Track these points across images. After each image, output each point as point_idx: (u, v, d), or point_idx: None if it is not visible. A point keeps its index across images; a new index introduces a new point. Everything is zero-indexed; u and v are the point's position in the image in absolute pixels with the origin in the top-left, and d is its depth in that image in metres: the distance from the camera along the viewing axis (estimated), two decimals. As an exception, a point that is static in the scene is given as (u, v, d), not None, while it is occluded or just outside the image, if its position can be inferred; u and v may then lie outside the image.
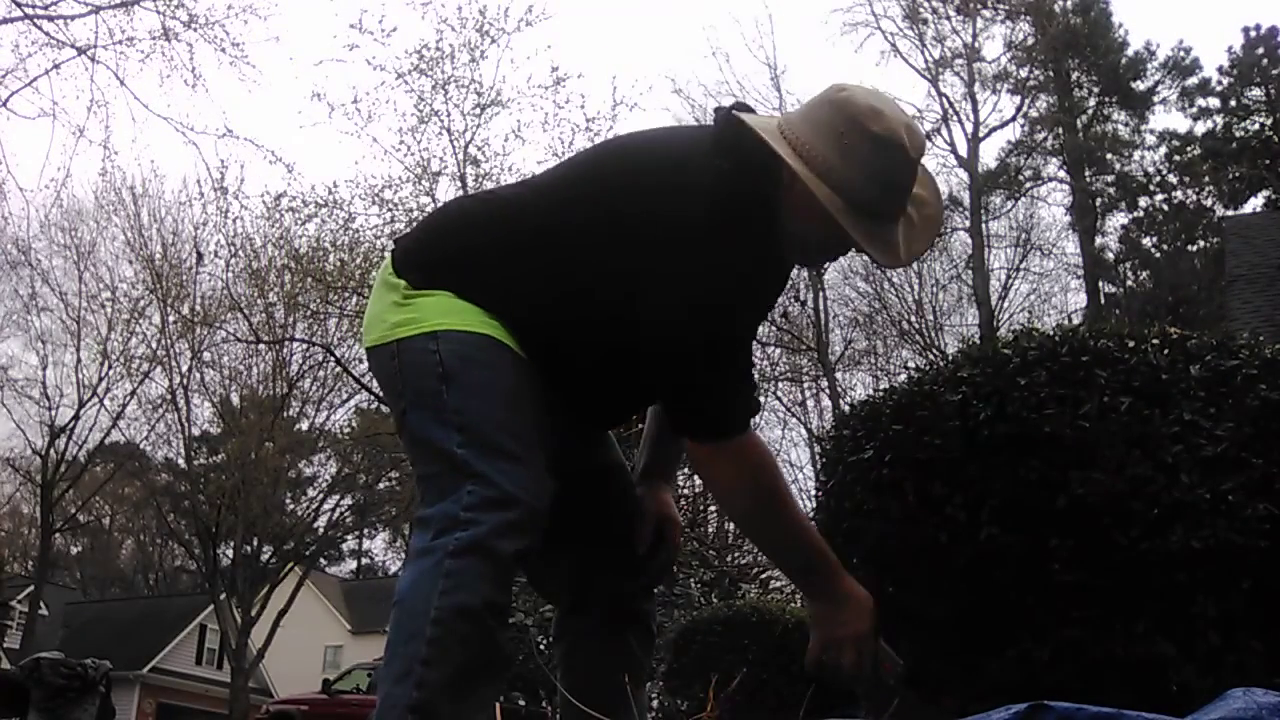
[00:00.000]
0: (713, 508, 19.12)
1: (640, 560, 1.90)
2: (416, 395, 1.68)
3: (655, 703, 11.81)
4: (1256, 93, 26.56)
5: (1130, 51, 28.71)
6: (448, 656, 1.48)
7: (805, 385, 25.34)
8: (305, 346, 22.36)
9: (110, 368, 24.59)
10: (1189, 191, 27.91)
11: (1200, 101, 27.76)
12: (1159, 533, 3.46)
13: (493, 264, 1.73)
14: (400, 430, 1.75)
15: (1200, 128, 27.44)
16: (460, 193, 21.72)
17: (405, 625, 1.52)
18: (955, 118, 27.01)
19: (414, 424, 1.69)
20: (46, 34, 12.90)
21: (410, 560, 1.59)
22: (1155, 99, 28.40)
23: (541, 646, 12.54)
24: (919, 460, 3.95)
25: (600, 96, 69.58)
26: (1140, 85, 28.57)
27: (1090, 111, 28.77)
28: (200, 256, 22.22)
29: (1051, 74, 27.95)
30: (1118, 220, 28.45)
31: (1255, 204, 24.43)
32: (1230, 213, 22.96)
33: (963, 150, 26.82)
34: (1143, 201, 28.15)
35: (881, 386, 12.56)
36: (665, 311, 1.60)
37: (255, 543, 24.55)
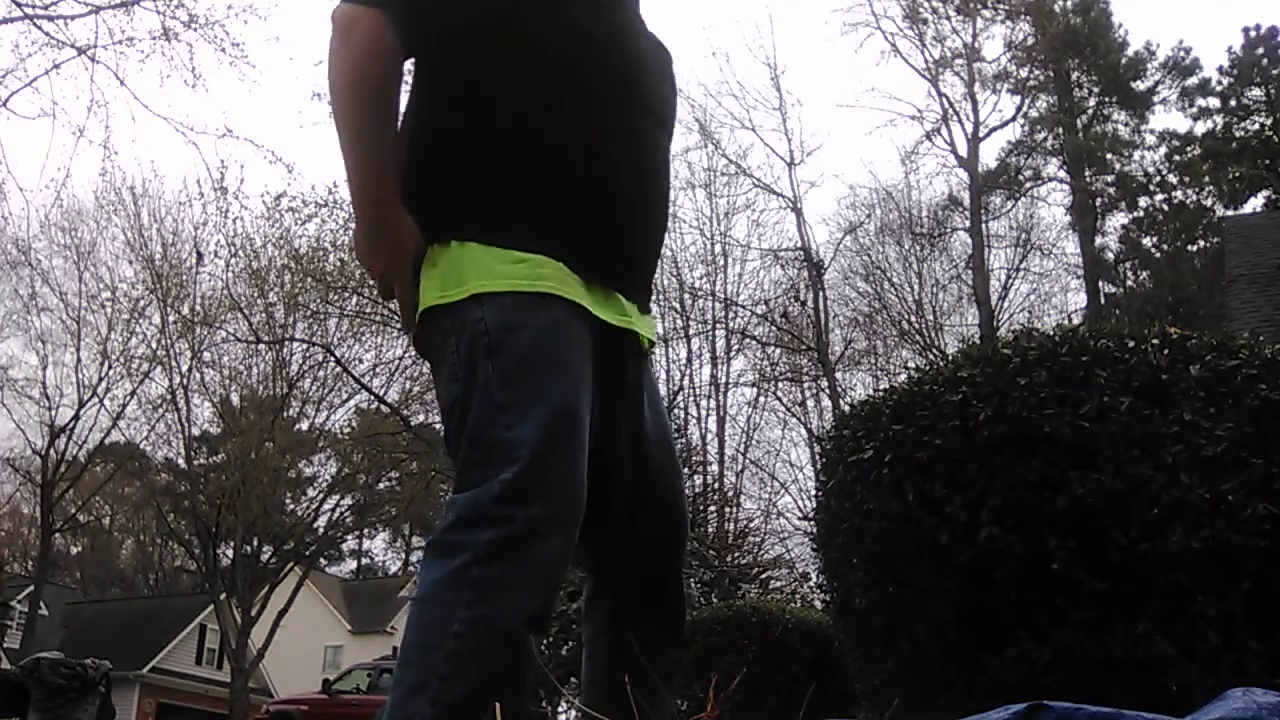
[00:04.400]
0: (712, 508, 19.14)
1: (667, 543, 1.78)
2: (454, 369, 1.53)
3: (655, 703, 11.80)
4: (1256, 93, 26.56)
5: (1130, 51, 28.73)
6: (467, 673, 1.39)
7: (805, 385, 25.37)
8: (305, 346, 22.38)
9: (110, 368, 24.61)
10: (1189, 191, 27.91)
11: (1200, 101, 27.77)
12: (1159, 533, 3.46)
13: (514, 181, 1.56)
14: (441, 406, 1.61)
15: (1200, 128, 27.47)
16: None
17: (424, 632, 1.42)
18: (955, 118, 27.03)
19: (447, 400, 1.55)
20: (46, 34, 12.90)
21: (435, 553, 1.46)
22: (1155, 99, 28.42)
23: (541, 646, 12.54)
24: (919, 460, 3.95)
25: (600, 96, 69.30)
26: (1140, 85, 28.57)
27: (1090, 111, 28.77)
28: (200, 256, 22.24)
29: (1051, 74, 27.94)
30: (1118, 220, 28.48)
31: (1255, 204, 24.45)
32: (1230, 213, 22.95)
33: (963, 150, 26.82)
34: (1143, 201, 28.16)
35: (881, 386, 12.56)
36: None
37: (255, 543, 24.53)
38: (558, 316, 1.53)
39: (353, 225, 1.67)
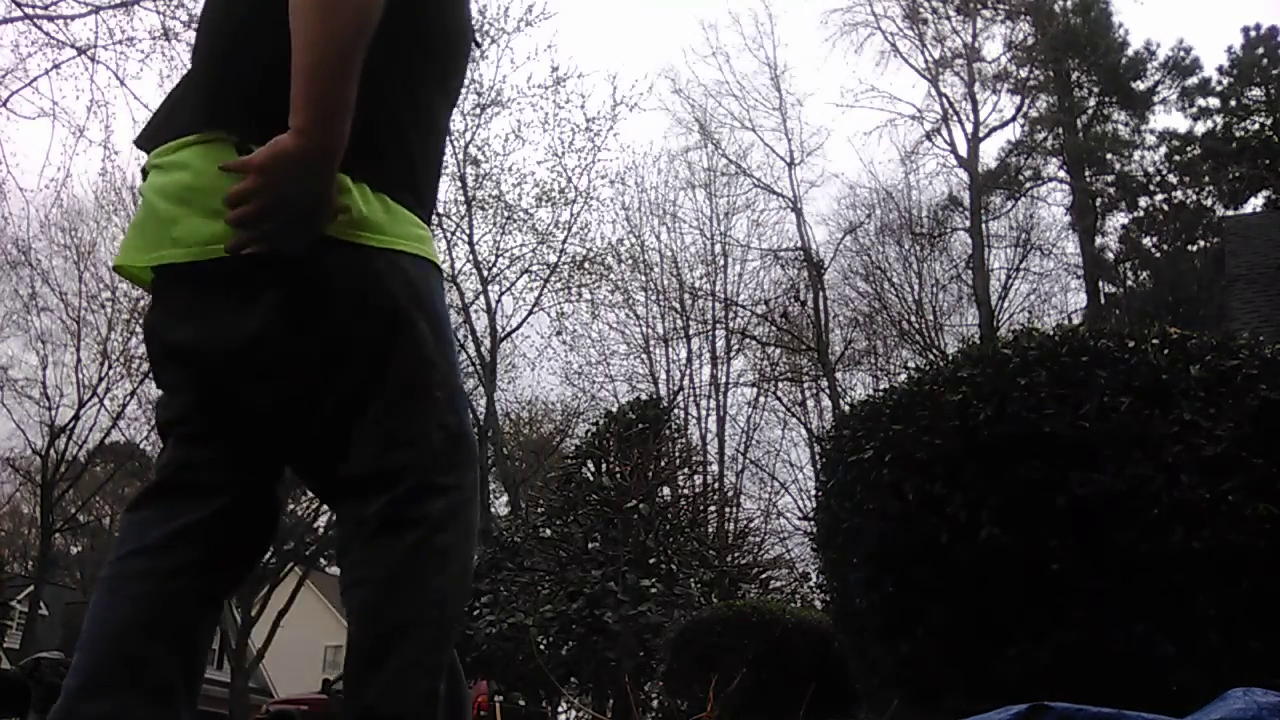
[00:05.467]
0: (712, 508, 19.13)
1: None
2: (407, 317, 1.48)
3: (655, 703, 11.81)
4: (1256, 93, 26.55)
5: (1130, 51, 28.71)
6: (448, 639, 1.46)
7: (805, 385, 25.37)
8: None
9: (110, 368, 24.61)
10: (1189, 191, 27.89)
11: (1200, 101, 27.75)
12: (1159, 533, 3.46)
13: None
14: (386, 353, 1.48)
15: (1200, 128, 27.44)
16: (460, 193, 21.82)
17: (406, 609, 1.42)
18: (955, 118, 27.07)
19: (380, 344, 1.47)
20: (46, 34, 12.91)
21: (391, 530, 1.43)
22: (1155, 99, 28.39)
23: (541, 646, 12.54)
24: (919, 460, 3.95)
25: (600, 96, 69.55)
26: (1140, 85, 28.55)
27: (1090, 111, 28.76)
28: (200, 256, 22.14)
29: (1051, 74, 27.94)
30: (1118, 220, 28.45)
31: (1255, 204, 24.43)
32: (1230, 213, 22.95)
33: (963, 150, 26.85)
34: (1143, 201, 28.13)
35: (881, 386, 12.57)
36: None
37: (255, 543, 24.48)
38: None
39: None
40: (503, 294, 22.34)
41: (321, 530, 27.91)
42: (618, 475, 15.31)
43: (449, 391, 1.50)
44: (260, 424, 1.52)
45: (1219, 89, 27.32)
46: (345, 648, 1.45)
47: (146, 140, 1.56)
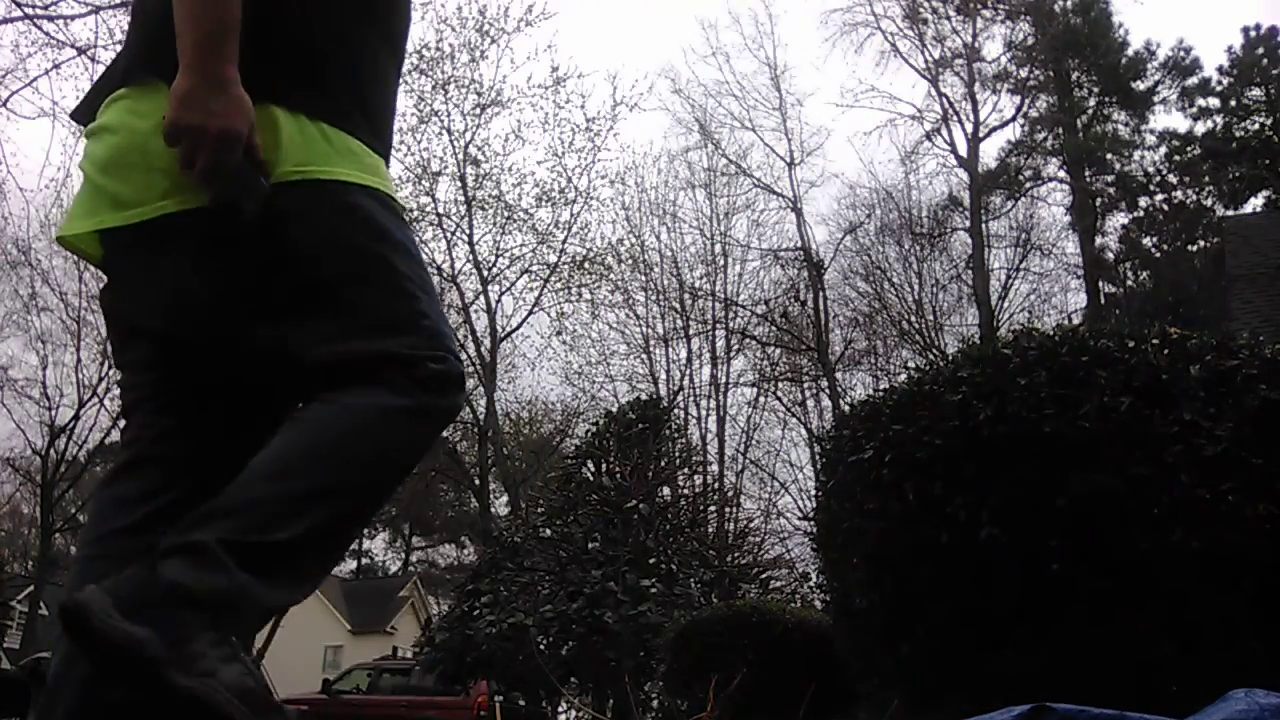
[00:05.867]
0: (712, 508, 19.13)
1: None
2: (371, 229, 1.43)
3: (655, 703, 11.81)
4: (1256, 93, 26.56)
5: (1130, 51, 28.72)
6: (360, 504, 1.36)
7: (805, 385, 25.35)
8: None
9: (110, 368, 24.57)
10: (1189, 191, 27.91)
11: (1200, 101, 27.75)
12: (1159, 533, 3.46)
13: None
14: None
15: (1200, 128, 27.46)
16: (460, 193, 21.84)
17: (346, 442, 1.32)
18: (955, 118, 27.08)
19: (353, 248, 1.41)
20: (46, 34, 12.89)
21: (378, 385, 1.34)
22: (1155, 99, 28.40)
23: (541, 646, 12.54)
24: (919, 460, 3.95)
25: (600, 96, 69.58)
26: (1140, 85, 28.56)
27: (1090, 111, 28.76)
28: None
29: (1051, 74, 27.96)
30: (1118, 220, 28.47)
31: (1255, 204, 24.44)
32: (1230, 213, 22.95)
33: (963, 150, 26.86)
34: (1143, 201, 28.14)
35: (881, 386, 12.57)
36: None
37: (255, 543, 24.45)
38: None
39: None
40: (503, 294, 22.37)
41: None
42: (618, 475, 15.30)
43: (435, 319, 1.42)
44: (230, 386, 1.44)
45: (1219, 89, 27.34)
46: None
47: (83, 113, 1.51)
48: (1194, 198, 27.81)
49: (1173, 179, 28.01)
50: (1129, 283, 28.17)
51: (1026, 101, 28.17)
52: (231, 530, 1.20)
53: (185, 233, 1.35)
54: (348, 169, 1.41)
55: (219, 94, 1.31)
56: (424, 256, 1.49)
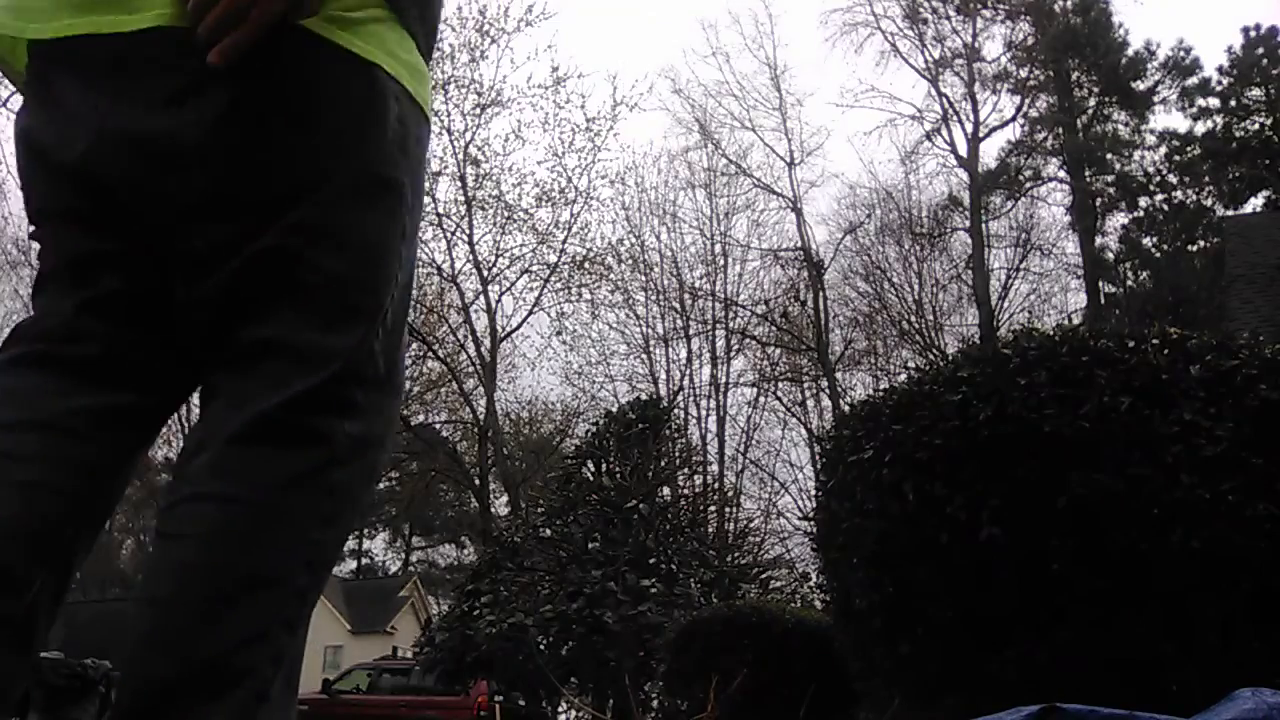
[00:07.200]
0: (712, 508, 19.14)
1: None
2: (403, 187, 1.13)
3: (655, 703, 11.81)
4: (1256, 93, 26.56)
5: (1130, 51, 28.73)
6: (305, 616, 1.05)
7: (805, 385, 25.37)
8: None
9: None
10: (1189, 191, 27.91)
11: (1200, 101, 27.76)
12: (1159, 533, 3.46)
13: None
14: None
15: (1200, 128, 27.47)
16: (460, 193, 21.84)
17: (268, 553, 1.00)
18: (955, 118, 27.09)
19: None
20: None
21: (282, 434, 1.01)
22: (1155, 99, 28.41)
23: (541, 646, 12.54)
24: (919, 460, 3.95)
25: (600, 96, 69.57)
26: (1140, 85, 28.57)
27: (1090, 111, 28.77)
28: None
29: (1051, 74, 27.96)
30: (1118, 220, 28.48)
31: (1255, 204, 24.46)
32: (1230, 213, 22.96)
33: (963, 150, 26.87)
34: (1143, 201, 28.15)
35: (881, 386, 12.57)
36: None
37: (255, 543, 24.45)
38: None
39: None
40: (503, 294, 22.35)
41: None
42: (618, 475, 15.31)
43: (403, 293, 1.14)
44: (175, 265, 1.07)
45: (1219, 89, 27.33)
46: (161, 589, 0.97)
47: None
48: (1194, 198, 27.82)
49: (1173, 179, 28.01)
50: (1129, 283, 28.17)
51: (1026, 101, 28.20)
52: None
53: (163, 61, 1.03)
54: (401, 65, 1.12)
55: None
56: (424, 254, 1.11)
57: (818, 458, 16.47)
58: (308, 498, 1.01)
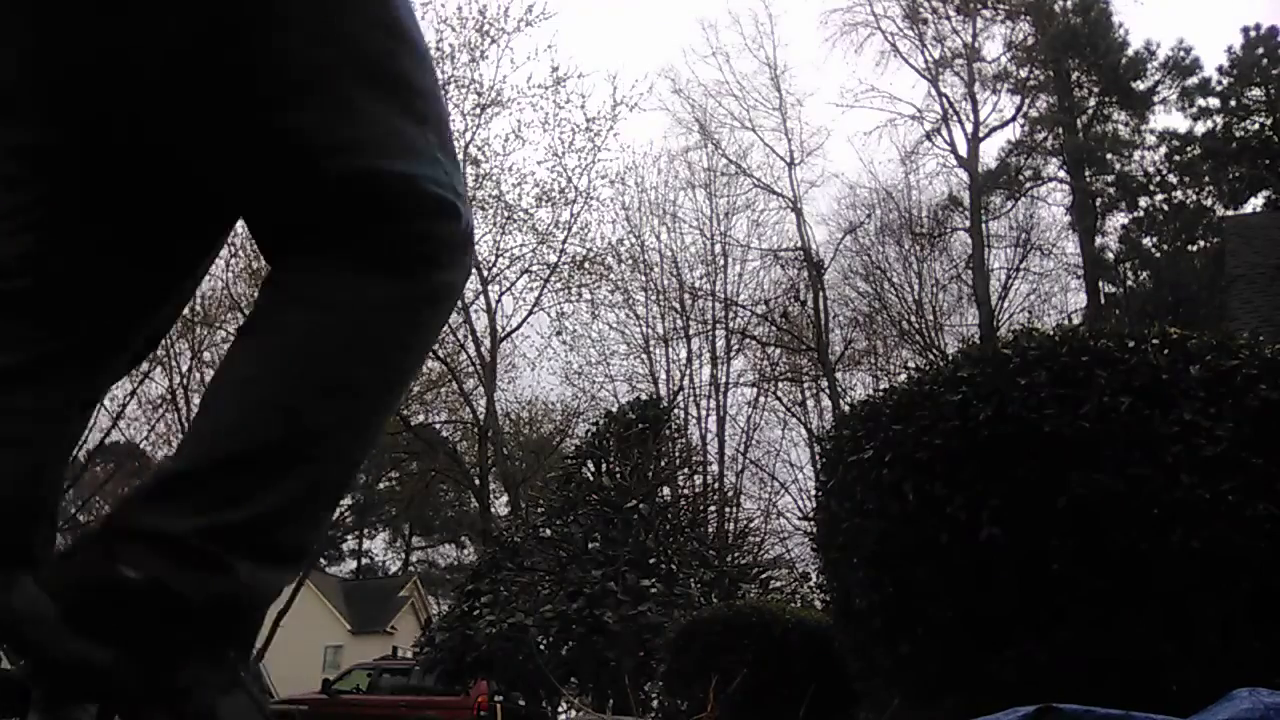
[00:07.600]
0: (712, 508, 19.14)
1: None
2: None
3: (655, 703, 11.81)
4: (1256, 93, 26.57)
5: (1130, 51, 28.72)
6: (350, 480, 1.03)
7: (805, 385, 25.36)
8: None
9: (110, 368, 24.56)
10: (1189, 191, 27.91)
11: (1200, 101, 27.75)
12: (1159, 533, 3.46)
13: None
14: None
15: (1200, 128, 27.47)
16: (460, 193, 21.70)
17: (335, 392, 0.96)
18: (955, 118, 27.09)
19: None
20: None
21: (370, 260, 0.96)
22: (1155, 99, 28.41)
23: (541, 646, 12.55)
24: (919, 460, 3.95)
25: (600, 96, 69.57)
26: (1140, 85, 28.56)
27: (1090, 111, 28.77)
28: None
29: (1051, 74, 27.96)
30: (1118, 220, 28.48)
31: (1255, 204, 24.47)
32: (1230, 213, 22.97)
33: (963, 150, 26.88)
34: (1143, 201, 28.15)
35: (881, 386, 12.57)
36: None
37: (255, 543, 24.45)
38: None
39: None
40: (503, 294, 22.37)
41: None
42: (618, 475, 15.31)
43: (441, 126, 1.04)
44: (123, 196, 1.01)
45: (1219, 89, 27.33)
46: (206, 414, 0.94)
47: None
48: (1194, 198, 27.82)
49: (1173, 179, 28.02)
50: (1129, 283, 28.17)
51: (1026, 101, 28.20)
52: (209, 506, 0.87)
53: None
54: None
55: None
56: None
57: (818, 458, 16.47)
58: (398, 320, 0.97)
